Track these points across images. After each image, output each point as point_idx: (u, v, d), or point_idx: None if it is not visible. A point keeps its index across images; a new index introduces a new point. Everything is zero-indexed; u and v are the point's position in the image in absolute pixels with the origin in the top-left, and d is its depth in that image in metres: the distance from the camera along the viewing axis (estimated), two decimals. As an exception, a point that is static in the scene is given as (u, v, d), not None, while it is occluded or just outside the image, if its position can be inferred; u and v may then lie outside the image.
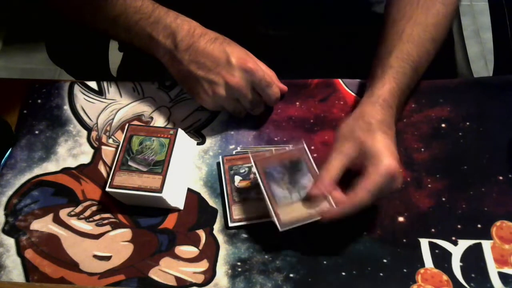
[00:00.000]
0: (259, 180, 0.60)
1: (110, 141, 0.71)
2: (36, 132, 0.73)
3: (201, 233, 0.64)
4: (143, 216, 0.65)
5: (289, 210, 0.59)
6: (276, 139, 0.71)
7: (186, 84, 0.69)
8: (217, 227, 0.64)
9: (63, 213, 0.66)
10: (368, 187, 0.56)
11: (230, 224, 0.63)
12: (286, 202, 0.60)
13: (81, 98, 0.76)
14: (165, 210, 0.65)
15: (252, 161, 0.62)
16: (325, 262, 0.61)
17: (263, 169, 0.62)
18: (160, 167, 0.64)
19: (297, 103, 0.73)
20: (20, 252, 0.63)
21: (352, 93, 0.74)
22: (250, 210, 0.64)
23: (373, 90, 0.64)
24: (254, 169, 0.62)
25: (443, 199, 0.64)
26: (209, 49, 0.66)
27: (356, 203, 0.57)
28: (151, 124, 0.72)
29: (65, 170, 0.69)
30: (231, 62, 0.65)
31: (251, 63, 0.65)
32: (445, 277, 0.59)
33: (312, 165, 0.62)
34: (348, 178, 0.59)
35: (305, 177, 0.61)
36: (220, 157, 0.68)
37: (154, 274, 0.61)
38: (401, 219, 0.63)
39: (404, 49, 0.66)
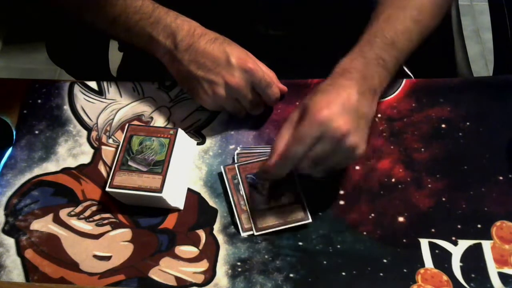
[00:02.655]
0: (241, 186, 0.64)
1: (110, 141, 0.71)
2: (36, 132, 0.73)
3: (201, 233, 0.64)
4: (143, 216, 0.65)
5: (264, 216, 0.63)
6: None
7: (186, 84, 0.69)
8: (217, 227, 0.64)
9: (63, 213, 0.66)
10: (294, 133, 0.56)
11: (243, 234, 0.63)
12: (264, 208, 0.63)
13: (81, 98, 0.76)
14: (165, 210, 0.65)
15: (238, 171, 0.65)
16: (325, 262, 0.61)
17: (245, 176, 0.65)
18: (160, 167, 0.64)
19: (297, 103, 0.73)
20: (20, 252, 0.63)
21: (352, 93, 0.73)
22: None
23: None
24: (238, 178, 0.65)
25: (443, 199, 0.64)
26: (209, 49, 0.66)
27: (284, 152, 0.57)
28: (151, 124, 0.72)
29: (65, 170, 0.69)
30: (231, 62, 0.65)
31: (251, 63, 0.65)
32: (445, 277, 0.59)
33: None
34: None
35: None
36: (222, 167, 0.67)
37: (154, 274, 0.61)
38: (401, 219, 0.63)
39: (378, 27, 0.65)
